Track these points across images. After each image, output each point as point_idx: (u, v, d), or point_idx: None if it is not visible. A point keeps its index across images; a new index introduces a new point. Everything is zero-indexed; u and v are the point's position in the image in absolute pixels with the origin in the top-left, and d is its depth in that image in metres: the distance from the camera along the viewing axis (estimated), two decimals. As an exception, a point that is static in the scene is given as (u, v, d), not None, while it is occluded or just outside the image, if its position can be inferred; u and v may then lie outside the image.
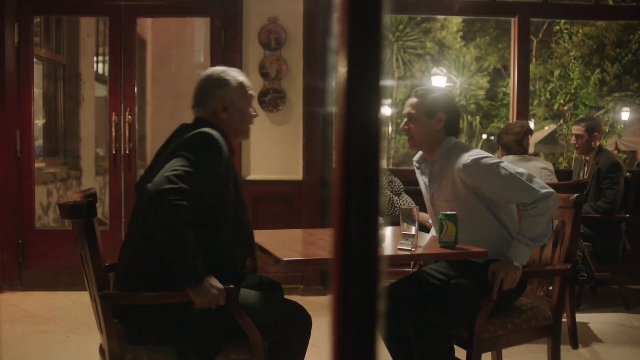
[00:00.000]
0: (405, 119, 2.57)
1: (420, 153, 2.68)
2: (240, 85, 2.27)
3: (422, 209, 2.77)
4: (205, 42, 6.22)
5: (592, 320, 4.08)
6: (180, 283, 1.97)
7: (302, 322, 2.23)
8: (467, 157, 2.42)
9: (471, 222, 2.47)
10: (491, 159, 2.43)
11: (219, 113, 2.23)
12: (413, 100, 2.56)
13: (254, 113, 2.33)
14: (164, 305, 2.07)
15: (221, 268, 2.12)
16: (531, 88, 7.57)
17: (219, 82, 2.25)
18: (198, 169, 1.99)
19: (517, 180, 2.37)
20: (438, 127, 2.52)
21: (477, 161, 2.40)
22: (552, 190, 2.39)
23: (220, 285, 2.02)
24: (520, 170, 2.42)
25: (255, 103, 2.31)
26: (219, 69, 2.31)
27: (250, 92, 2.31)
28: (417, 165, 2.70)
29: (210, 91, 2.24)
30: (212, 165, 2.05)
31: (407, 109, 2.57)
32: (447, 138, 2.54)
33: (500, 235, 2.49)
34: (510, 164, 2.47)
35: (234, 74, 2.28)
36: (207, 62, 5.09)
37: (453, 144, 2.53)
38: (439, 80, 16.03)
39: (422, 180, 2.68)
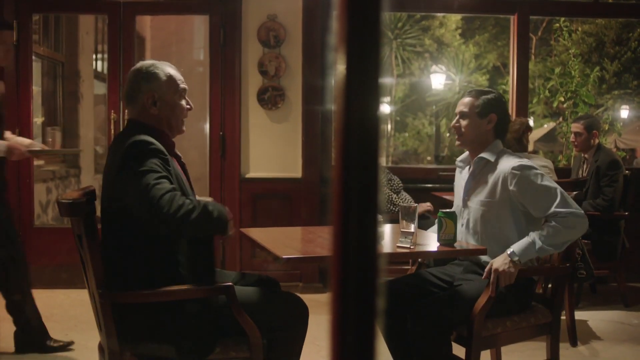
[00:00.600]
0: (457, 117, 2.65)
1: (465, 154, 2.73)
2: (170, 78, 2.21)
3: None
4: (204, 40, 6.20)
5: (591, 318, 4.08)
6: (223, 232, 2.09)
7: (299, 313, 2.24)
8: (516, 162, 2.49)
9: (497, 229, 2.51)
10: (538, 170, 2.50)
11: (148, 107, 2.18)
12: (467, 99, 2.64)
13: (187, 106, 2.27)
14: (162, 303, 2.08)
15: (189, 264, 2.14)
16: (530, 86, 7.56)
17: (147, 76, 2.19)
18: (151, 165, 2.01)
19: (558, 193, 2.42)
20: (488, 127, 2.60)
21: (525, 167, 2.47)
22: (585, 215, 2.44)
23: (225, 214, 2.08)
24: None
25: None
26: (147, 62, 2.25)
27: (182, 85, 2.25)
28: (460, 164, 2.75)
29: (138, 86, 2.19)
30: (161, 167, 2.05)
31: (460, 108, 2.65)
32: (496, 141, 2.62)
33: None
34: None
35: (163, 67, 2.23)
36: (207, 60, 5.09)
37: (501, 148, 2.62)
38: (438, 78, 16.01)
39: (460, 179, 2.72)
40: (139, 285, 2.08)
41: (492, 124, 2.60)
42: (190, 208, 1.96)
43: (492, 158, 2.57)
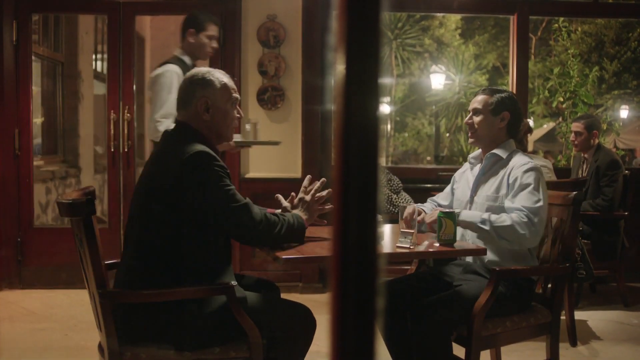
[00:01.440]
0: (471, 114, 2.67)
1: (477, 151, 2.75)
2: (224, 86, 2.26)
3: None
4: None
5: (591, 317, 4.08)
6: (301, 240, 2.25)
7: (305, 323, 2.23)
8: (527, 160, 2.54)
9: None
10: (543, 178, 2.51)
11: (201, 113, 2.22)
12: (480, 96, 2.67)
13: (237, 115, 2.32)
14: (162, 303, 2.08)
15: (220, 265, 2.19)
16: (530, 86, 7.56)
17: (202, 82, 2.24)
18: (224, 179, 2.11)
19: (539, 206, 2.41)
20: (501, 125, 2.63)
21: (534, 169, 2.49)
22: (538, 240, 2.44)
23: (303, 223, 2.26)
24: (546, 212, 2.47)
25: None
26: (203, 69, 2.30)
27: (235, 94, 2.30)
28: (472, 161, 2.77)
29: (193, 91, 2.23)
30: (225, 173, 2.13)
31: (473, 105, 2.68)
32: (509, 140, 2.66)
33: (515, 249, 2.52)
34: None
35: (218, 75, 2.27)
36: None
37: (514, 148, 2.66)
38: (438, 78, 16.00)
39: (470, 175, 2.73)
40: (154, 284, 2.09)
41: (505, 122, 2.63)
42: (279, 226, 2.13)
43: (504, 155, 2.60)
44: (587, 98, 6.68)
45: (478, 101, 2.66)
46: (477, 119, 2.64)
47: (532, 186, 2.46)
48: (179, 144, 2.15)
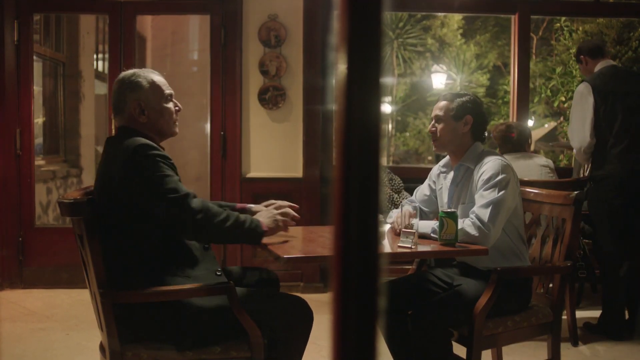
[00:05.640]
0: (433, 121, 2.63)
1: (446, 159, 2.71)
2: (153, 84, 2.24)
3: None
4: (205, 40, 6.20)
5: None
6: (255, 242, 2.17)
7: (303, 316, 2.24)
8: (490, 160, 2.48)
9: None
10: (509, 176, 2.44)
11: (137, 116, 2.22)
12: (441, 103, 2.62)
13: (175, 107, 2.29)
14: (163, 302, 2.08)
15: (184, 255, 2.19)
16: (531, 85, 7.56)
17: (131, 85, 2.23)
18: (165, 169, 2.07)
19: (493, 205, 2.37)
20: (465, 130, 2.57)
21: (495, 167, 2.44)
22: (487, 246, 2.35)
23: (281, 209, 2.27)
24: (504, 207, 2.41)
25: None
26: (129, 72, 2.28)
27: (167, 90, 2.27)
28: (443, 169, 2.72)
29: (123, 96, 2.23)
30: (167, 164, 2.10)
31: (435, 112, 2.63)
32: (475, 144, 2.59)
33: (505, 246, 2.51)
34: (510, 190, 2.45)
35: (146, 74, 2.26)
36: (207, 60, 5.09)
37: (481, 150, 2.58)
38: (439, 78, 16.01)
39: (444, 185, 2.69)
40: (136, 283, 2.09)
41: (469, 126, 2.57)
42: (223, 218, 2.06)
43: (472, 165, 2.55)
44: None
45: (439, 108, 2.61)
46: (439, 126, 2.59)
47: (485, 186, 2.42)
48: (122, 144, 2.13)
